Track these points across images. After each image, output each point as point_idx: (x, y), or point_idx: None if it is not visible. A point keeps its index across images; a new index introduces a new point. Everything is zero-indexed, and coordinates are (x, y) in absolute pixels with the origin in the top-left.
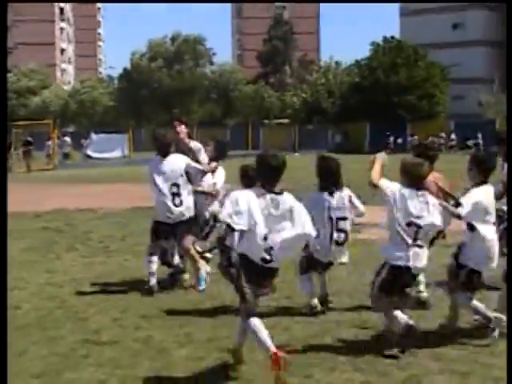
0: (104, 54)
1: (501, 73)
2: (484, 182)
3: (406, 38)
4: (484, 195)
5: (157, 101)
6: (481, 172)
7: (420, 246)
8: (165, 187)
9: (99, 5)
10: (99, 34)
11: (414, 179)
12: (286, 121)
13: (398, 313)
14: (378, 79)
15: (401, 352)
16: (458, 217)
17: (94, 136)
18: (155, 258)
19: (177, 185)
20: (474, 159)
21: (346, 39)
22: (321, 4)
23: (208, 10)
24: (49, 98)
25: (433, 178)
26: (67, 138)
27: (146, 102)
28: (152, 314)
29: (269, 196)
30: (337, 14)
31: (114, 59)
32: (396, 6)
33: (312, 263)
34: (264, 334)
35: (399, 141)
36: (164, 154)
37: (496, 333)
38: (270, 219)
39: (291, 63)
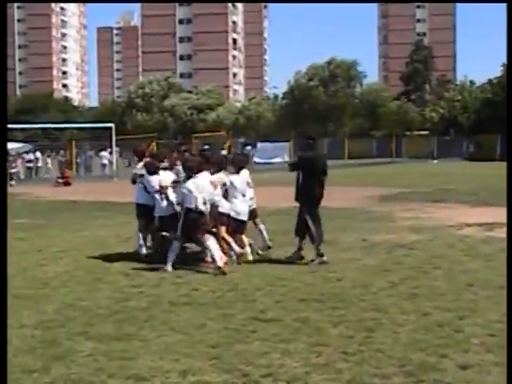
0: (269, 76)
1: None
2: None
3: None
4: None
5: (314, 115)
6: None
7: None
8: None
9: (265, 35)
10: (265, 59)
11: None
12: (425, 133)
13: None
14: None
15: None
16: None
17: (259, 145)
18: None
19: None
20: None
21: (479, 61)
22: (457, 31)
23: (359, 37)
24: (223, 113)
25: None
26: (248, 148)
27: (305, 116)
28: (309, 298)
29: None
30: (472, 40)
31: (276, 80)
32: None
33: None
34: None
35: None
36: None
37: None
38: None
39: (430, 82)
